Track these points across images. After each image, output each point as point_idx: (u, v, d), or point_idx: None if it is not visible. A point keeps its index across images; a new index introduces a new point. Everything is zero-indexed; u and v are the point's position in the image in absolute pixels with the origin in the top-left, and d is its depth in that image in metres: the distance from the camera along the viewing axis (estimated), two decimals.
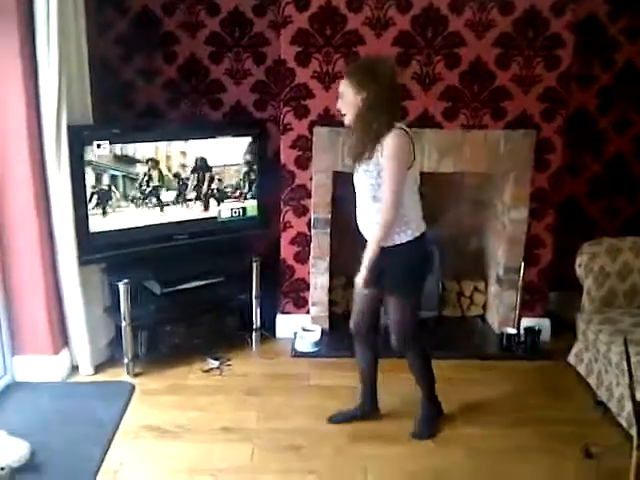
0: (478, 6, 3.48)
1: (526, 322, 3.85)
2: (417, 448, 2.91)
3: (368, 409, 3.10)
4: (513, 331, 3.79)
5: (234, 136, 3.69)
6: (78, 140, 3.18)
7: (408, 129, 2.63)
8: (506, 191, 3.80)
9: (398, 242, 2.68)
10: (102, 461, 2.76)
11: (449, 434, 3.02)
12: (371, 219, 2.68)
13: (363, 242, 2.73)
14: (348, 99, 2.60)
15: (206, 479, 2.65)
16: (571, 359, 3.57)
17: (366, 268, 2.66)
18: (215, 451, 2.85)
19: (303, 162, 3.71)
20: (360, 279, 2.69)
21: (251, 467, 2.75)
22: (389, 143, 2.53)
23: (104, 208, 3.34)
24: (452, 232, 4.11)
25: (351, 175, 2.77)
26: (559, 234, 3.88)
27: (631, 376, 2.34)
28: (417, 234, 2.71)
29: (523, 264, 3.79)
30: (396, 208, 2.59)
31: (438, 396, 3.08)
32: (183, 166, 3.54)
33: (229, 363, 3.63)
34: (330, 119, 3.58)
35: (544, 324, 3.91)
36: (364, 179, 2.65)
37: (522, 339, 3.79)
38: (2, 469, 2.56)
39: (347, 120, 2.67)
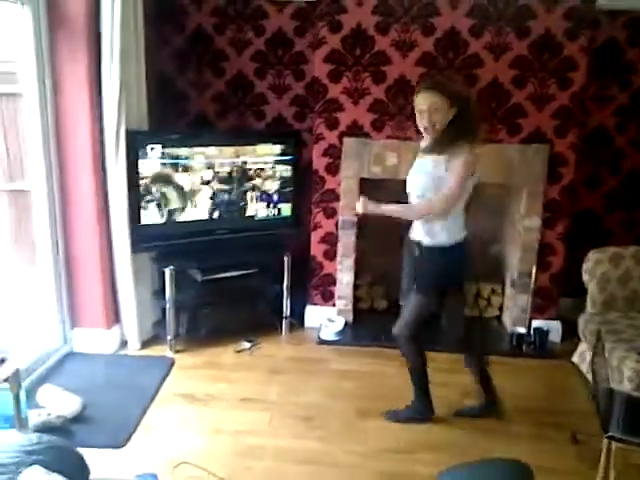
0: (496, 30, 3.81)
1: (537, 324, 4.11)
2: (416, 424, 3.23)
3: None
4: (523, 330, 4.06)
5: (274, 144, 4.12)
6: (134, 143, 3.66)
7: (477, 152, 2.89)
8: (521, 201, 4.08)
9: (437, 244, 2.97)
10: (141, 419, 3.20)
11: (450, 415, 3.32)
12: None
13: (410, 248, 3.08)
14: (443, 111, 2.82)
15: (227, 438, 3.06)
16: (575, 358, 3.83)
17: (379, 209, 2.96)
18: (237, 417, 3.26)
19: (333, 169, 4.10)
20: (363, 206, 2.97)
21: (267, 431, 3.15)
22: (462, 159, 2.80)
23: (157, 204, 3.81)
24: (473, 238, 4.37)
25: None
26: (576, 244, 4.11)
27: (594, 374, 2.58)
28: (457, 240, 2.99)
29: (535, 269, 4.05)
30: (443, 209, 2.87)
31: (432, 401, 3.26)
32: (228, 171, 3.99)
33: (259, 346, 4.04)
34: (358, 130, 3.97)
35: (554, 326, 4.16)
36: (421, 177, 2.94)
37: (532, 339, 4.05)
38: (58, 417, 3.03)
39: (437, 128, 2.85)
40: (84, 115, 3.55)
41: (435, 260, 3.00)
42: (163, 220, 3.87)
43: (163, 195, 3.83)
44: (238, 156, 4.00)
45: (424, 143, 3.03)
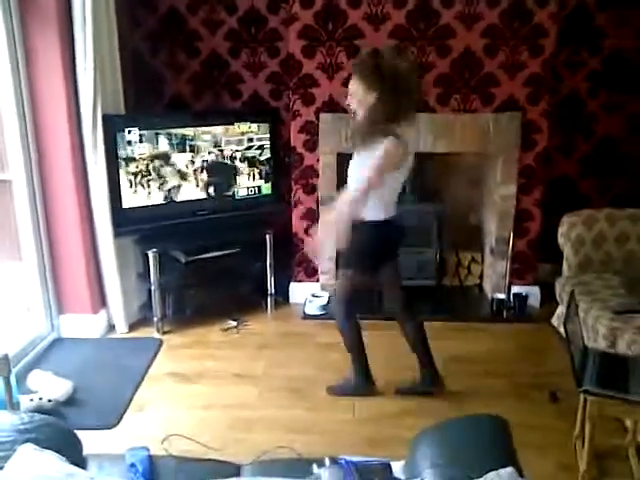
0: (467, 0, 3.84)
1: (516, 289, 4.20)
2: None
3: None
4: (502, 296, 4.15)
5: (252, 122, 4.14)
6: (111, 127, 3.68)
7: (405, 140, 2.80)
8: (497, 169, 4.15)
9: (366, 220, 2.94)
10: (131, 399, 3.27)
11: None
12: None
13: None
14: (358, 97, 2.81)
15: (217, 413, 3.14)
16: (554, 321, 3.92)
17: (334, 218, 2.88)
18: (226, 392, 3.33)
19: (311, 145, 4.13)
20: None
21: (256, 404, 3.23)
22: (381, 147, 2.76)
23: (135, 187, 3.84)
24: (451, 208, 4.47)
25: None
26: (553, 211, 4.15)
27: (567, 332, 2.68)
28: (381, 218, 2.96)
29: (512, 236, 4.13)
30: (358, 198, 2.81)
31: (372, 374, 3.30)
32: (205, 151, 4.01)
33: (246, 323, 4.10)
34: (334, 106, 4.00)
35: (534, 291, 4.25)
36: (354, 168, 2.95)
37: (511, 304, 4.15)
38: (49, 401, 3.09)
39: (358, 117, 2.86)
40: (60, 100, 3.55)
41: (359, 237, 2.95)
42: (144, 203, 3.89)
43: (143, 178, 3.85)
44: (216, 136, 4.02)
45: None
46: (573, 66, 4.31)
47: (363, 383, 3.30)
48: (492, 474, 1.71)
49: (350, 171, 3.00)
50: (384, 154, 2.76)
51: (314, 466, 1.81)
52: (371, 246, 3.04)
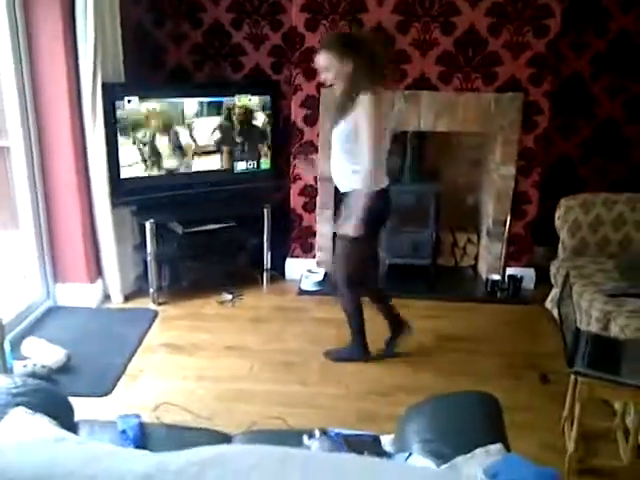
0: None
1: (511, 271, 4.20)
2: (390, 367, 3.36)
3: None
4: (497, 277, 4.16)
5: (252, 95, 4.11)
6: (111, 95, 3.65)
7: (379, 95, 2.92)
8: (496, 150, 4.14)
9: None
10: (125, 368, 3.28)
11: (419, 358, 3.44)
12: (342, 168, 3.08)
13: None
14: (336, 70, 2.93)
15: (209, 384, 3.16)
16: (548, 304, 3.94)
17: (359, 218, 2.98)
18: (219, 364, 3.35)
19: (311, 120, 4.11)
20: (353, 229, 3.00)
21: (249, 376, 3.25)
22: (362, 107, 2.87)
23: (134, 157, 3.82)
24: (450, 188, 4.46)
25: None
26: (551, 194, 4.15)
27: (561, 313, 2.68)
28: (377, 188, 3.03)
29: (509, 217, 4.13)
30: (373, 160, 2.92)
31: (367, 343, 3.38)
32: (206, 123, 3.98)
33: (241, 297, 4.11)
34: None
35: (529, 274, 4.26)
36: (338, 135, 3.01)
37: (506, 285, 4.16)
38: (43, 367, 3.10)
39: (338, 90, 3.01)
40: (60, 67, 3.52)
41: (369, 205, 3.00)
42: (143, 173, 3.88)
43: (142, 149, 3.83)
44: (216, 108, 4.00)
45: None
46: (578, 47, 4.27)
47: (359, 350, 3.37)
48: (480, 450, 1.73)
49: (335, 140, 3.06)
50: (367, 106, 2.86)
51: (304, 437, 1.83)
52: (378, 213, 3.08)
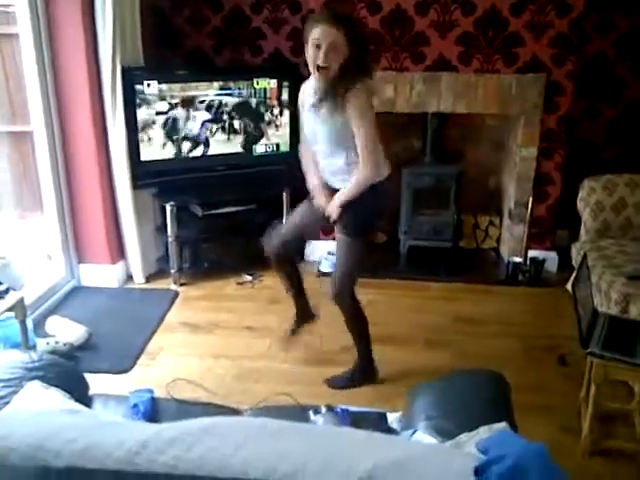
0: None
1: (533, 254, 4.16)
2: (409, 348, 3.37)
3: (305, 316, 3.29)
4: (519, 259, 4.13)
5: (271, 78, 4.12)
6: (130, 80, 3.69)
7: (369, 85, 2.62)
8: (518, 131, 4.08)
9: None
10: (145, 346, 3.35)
11: (438, 338, 3.44)
12: (336, 164, 2.73)
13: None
14: (341, 52, 2.48)
15: (227, 362, 3.21)
16: (569, 286, 3.88)
17: (341, 204, 2.70)
18: (238, 343, 3.40)
19: None
20: (333, 211, 2.74)
21: (266, 355, 3.29)
22: (355, 103, 2.51)
23: (154, 140, 3.86)
24: (472, 169, 4.43)
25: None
26: (574, 176, 4.08)
27: (576, 293, 2.66)
28: (381, 178, 2.74)
29: (532, 199, 4.08)
30: (375, 166, 2.64)
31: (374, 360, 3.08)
32: (225, 105, 4.01)
33: (261, 278, 4.15)
34: None
35: (551, 256, 4.22)
36: (327, 125, 2.63)
37: (527, 268, 4.12)
38: (65, 344, 3.18)
39: (331, 71, 2.51)
40: (80, 52, 3.58)
41: (371, 199, 2.74)
42: (163, 156, 3.92)
43: (162, 131, 3.87)
44: (236, 92, 4.02)
45: (310, 88, 2.74)
46: (602, 27, 4.18)
47: (368, 368, 3.07)
48: (484, 428, 1.73)
49: (315, 136, 2.73)
50: (361, 109, 2.54)
51: (310, 412, 1.85)
52: (381, 205, 2.95)
